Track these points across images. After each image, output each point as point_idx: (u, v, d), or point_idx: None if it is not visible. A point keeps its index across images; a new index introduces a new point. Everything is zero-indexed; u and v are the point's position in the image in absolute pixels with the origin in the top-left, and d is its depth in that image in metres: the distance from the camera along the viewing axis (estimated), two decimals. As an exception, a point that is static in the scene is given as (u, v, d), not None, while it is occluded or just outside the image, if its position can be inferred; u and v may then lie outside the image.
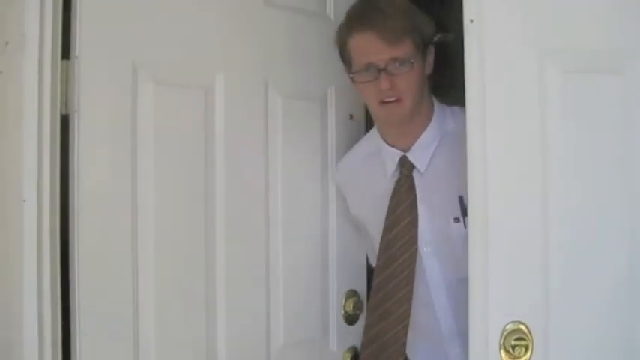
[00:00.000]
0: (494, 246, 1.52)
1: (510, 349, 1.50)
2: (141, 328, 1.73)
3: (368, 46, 1.78)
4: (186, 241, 1.82)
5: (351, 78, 1.87)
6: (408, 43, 1.77)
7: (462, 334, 1.79)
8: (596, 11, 1.56)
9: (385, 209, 1.94)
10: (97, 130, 1.68)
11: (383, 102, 1.82)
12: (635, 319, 1.56)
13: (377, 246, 1.99)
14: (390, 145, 1.97)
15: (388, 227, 1.93)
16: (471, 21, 1.53)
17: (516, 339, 1.50)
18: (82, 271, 1.65)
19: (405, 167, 1.93)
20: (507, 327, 1.51)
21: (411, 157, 1.93)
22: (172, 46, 1.80)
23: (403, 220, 1.91)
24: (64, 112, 1.66)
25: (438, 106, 1.95)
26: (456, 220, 1.86)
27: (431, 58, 1.88)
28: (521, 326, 1.51)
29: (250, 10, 1.99)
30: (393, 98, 1.81)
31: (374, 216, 1.99)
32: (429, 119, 1.93)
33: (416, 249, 1.90)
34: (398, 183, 1.94)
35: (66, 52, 1.66)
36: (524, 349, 1.50)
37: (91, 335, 1.65)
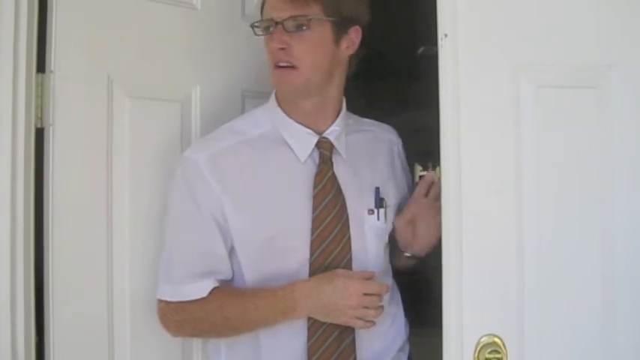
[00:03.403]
0: (468, 259, 1.52)
1: (484, 363, 1.50)
2: (116, 343, 1.72)
3: (273, 1, 1.67)
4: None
5: (255, 31, 1.73)
6: (314, 7, 1.64)
7: None
8: (570, 26, 1.58)
9: (297, 203, 1.70)
10: (72, 143, 1.68)
11: (277, 67, 1.67)
12: (610, 332, 1.56)
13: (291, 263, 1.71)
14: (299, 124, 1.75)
15: (318, 218, 1.70)
16: (445, 35, 1.54)
17: (490, 352, 1.50)
18: (56, 286, 1.64)
19: (326, 149, 1.74)
20: (482, 340, 1.52)
21: (331, 138, 1.74)
22: (148, 60, 1.81)
23: (332, 210, 1.71)
24: (39, 126, 1.66)
25: (344, 105, 1.83)
26: (370, 211, 1.77)
27: (354, 37, 1.72)
28: (496, 339, 1.52)
29: (227, 24, 2.00)
30: (286, 64, 1.66)
31: (279, 214, 1.70)
32: (340, 110, 1.78)
33: (349, 238, 1.72)
34: (321, 167, 1.72)
35: (41, 66, 1.66)
36: (498, 362, 1.51)
37: (65, 350, 1.65)
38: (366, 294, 1.62)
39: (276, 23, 1.65)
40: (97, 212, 1.71)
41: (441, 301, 1.53)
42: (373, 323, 1.66)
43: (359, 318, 1.64)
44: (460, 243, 1.52)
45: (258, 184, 1.71)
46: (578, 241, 1.58)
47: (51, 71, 1.65)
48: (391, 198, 1.82)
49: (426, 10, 1.59)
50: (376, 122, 1.94)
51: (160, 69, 1.84)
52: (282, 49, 1.65)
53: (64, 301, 1.65)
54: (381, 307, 1.65)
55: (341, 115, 1.78)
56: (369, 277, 1.66)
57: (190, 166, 1.70)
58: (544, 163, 1.56)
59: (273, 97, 1.79)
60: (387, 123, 1.98)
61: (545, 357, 1.54)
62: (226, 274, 1.71)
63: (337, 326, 1.68)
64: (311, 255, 1.69)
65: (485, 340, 1.51)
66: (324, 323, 1.68)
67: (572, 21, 1.58)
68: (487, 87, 1.55)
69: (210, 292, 1.67)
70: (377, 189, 1.78)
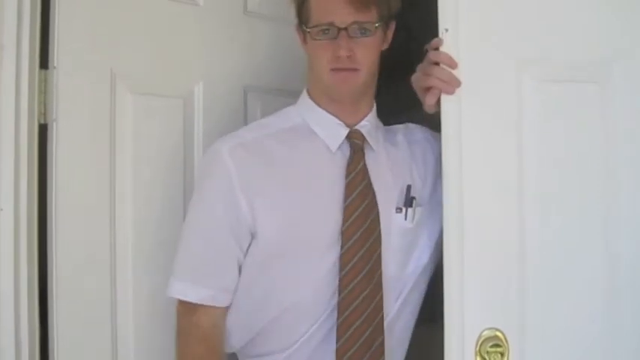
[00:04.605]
0: (469, 253, 1.52)
1: (486, 356, 1.50)
2: (119, 336, 1.73)
3: (333, 6, 1.61)
4: (165, 250, 1.81)
5: (302, 32, 1.68)
6: (373, 11, 1.62)
7: None
8: (571, 21, 1.58)
9: (327, 193, 1.66)
10: (76, 139, 1.69)
11: (335, 69, 1.63)
12: (612, 328, 1.56)
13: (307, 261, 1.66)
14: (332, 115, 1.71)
15: (349, 209, 1.65)
16: (446, 30, 1.54)
17: (492, 346, 1.50)
18: (60, 281, 1.65)
19: (358, 139, 1.70)
20: (484, 333, 1.52)
21: (362, 130, 1.70)
22: (151, 56, 1.82)
23: (363, 202, 1.66)
24: (42, 122, 1.67)
25: (374, 103, 1.79)
26: (398, 210, 1.69)
27: (390, 33, 1.71)
28: (498, 333, 1.52)
29: (229, 20, 2.01)
30: (349, 68, 1.63)
31: (308, 205, 1.66)
32: (372, 106, 1.76)
33: (379, 233, 1.67)
34: (353, 157, 1.68)
35: (44, 62, 1.67)
36: (499, 356, 1.51)
37: (69, 343, 1.66)
38: None
39: (339, 29, 1.60)
40: (101, 207, 1.72)
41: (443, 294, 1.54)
42: None
43: None
44: (462, 237, 1.52)
45: (285, 173, 1.67)
46: (581, 236, 1.58)
47: (54, 67, 1.66)
48: (423, 198, 1.74)
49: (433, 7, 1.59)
50: (402, 125, 1.86)
51: (162, 65, 1.85)
52: (348, 55, 1.61)
53: (68, 295, 1.66)
54: None
55: (372, 112, 1.75)
56: None
57: (212, 155, 1.67)
58: (546, 160, 1.56)
59: (304, 93, 1.75)
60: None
61: (546, 351, 1.54)
62: (228, 284, 1.67)
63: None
64: (342, 246, 1.63)
65: (486, 333, 1.51)
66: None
67: (573, 16, 1.58)
68: (489, 82, 1.55)
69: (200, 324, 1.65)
70: (408, 186, 1.72)
